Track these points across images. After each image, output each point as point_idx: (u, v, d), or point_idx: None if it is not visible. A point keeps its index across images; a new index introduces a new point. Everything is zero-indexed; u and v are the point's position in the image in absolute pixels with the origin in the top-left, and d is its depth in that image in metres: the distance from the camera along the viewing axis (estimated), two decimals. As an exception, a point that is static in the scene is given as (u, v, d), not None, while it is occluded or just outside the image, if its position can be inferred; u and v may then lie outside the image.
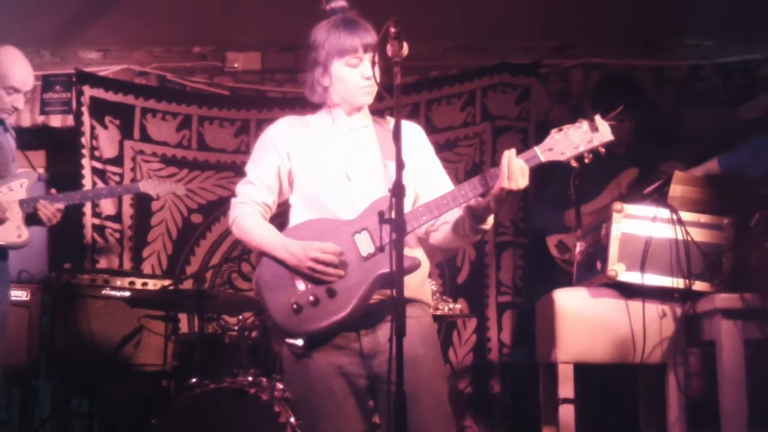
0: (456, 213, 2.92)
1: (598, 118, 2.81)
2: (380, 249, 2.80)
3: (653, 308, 3.63)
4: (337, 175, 2.97)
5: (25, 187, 4.29)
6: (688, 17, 5.62)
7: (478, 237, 2.96)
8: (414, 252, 2.94)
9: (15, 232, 4.21)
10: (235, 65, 6.27)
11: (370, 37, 2.94)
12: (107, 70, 6.20)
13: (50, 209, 4.21)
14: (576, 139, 2.80)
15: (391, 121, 3.12)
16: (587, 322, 3.67)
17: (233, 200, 3.07)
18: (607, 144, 2.80)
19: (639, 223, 3.64)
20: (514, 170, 2.74)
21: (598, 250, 3.75)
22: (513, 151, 2.78)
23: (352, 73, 2.96)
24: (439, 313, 4.82)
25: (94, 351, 5.07)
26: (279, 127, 3.10)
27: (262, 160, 3.06)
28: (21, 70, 4.28)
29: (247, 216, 3.00)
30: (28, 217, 4.25)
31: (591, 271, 3.82)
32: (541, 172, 2.83)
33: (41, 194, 4.32)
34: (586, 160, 2.81)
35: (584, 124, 2.81)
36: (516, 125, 5.92)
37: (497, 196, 2.78)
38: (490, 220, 2.90)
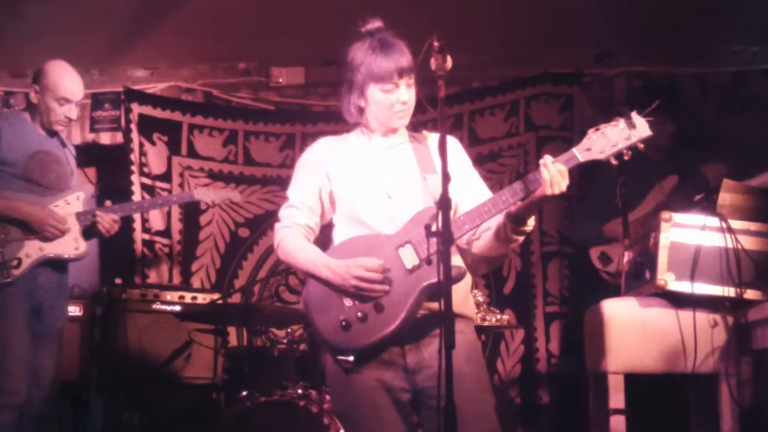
0: (497, 220, 2.90)
1: (634, 114, 2.79)
2: (426, 261, 2.79)
3: (704, 317, 3.59)
4: (378, 194, 2.97)
5: (82, 201, 4.35)
6: (732, 23, 5.54)
7: (521, 239, 2.94)
8: (455, 261, 2.92)
9: (73, 244, 4.27)
10: (280, 80, 6.30)
11: (406, 60, 2.94)
12: (155, 88, 6.27)
13: (107, 220, 4.27)
14: (614, 137, 2.77)
15: (428, 135, 3.12)
16: (637, 331, 3.63)
17: (277, 225, 3.08)
18: (646, 139, 2.77)
19: (688, 232, 3.61)
20: (554, 174, 2.72)
21: (647, 260, 3.71)
22: (548, 156, 2.77)
23: (387, 98, 2.96)
24: (486, 324, 4.79)
25: (145, 365, 5.11)
26: (317, 148, 3.11)
27: (302, 183, 3.07)
28: (70, 80, 4.33)
29: (291, 239, 3.01)
30: (84, 230, 4.30)
31: (639, 280, 3.79)
32: (580, 184, 2.80)
33: (96, 207, 4.38)
34: (626, 157, 2.78)
35: (621, 122, 2.79)
36: (560, 135, 5.88)
37: (540, 200, 2.77)
38: (531, 221, 2.88)
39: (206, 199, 4.71)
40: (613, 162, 2.77)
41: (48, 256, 4.20)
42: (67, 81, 4.32)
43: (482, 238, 2.99)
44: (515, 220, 2.85)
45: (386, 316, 2.80)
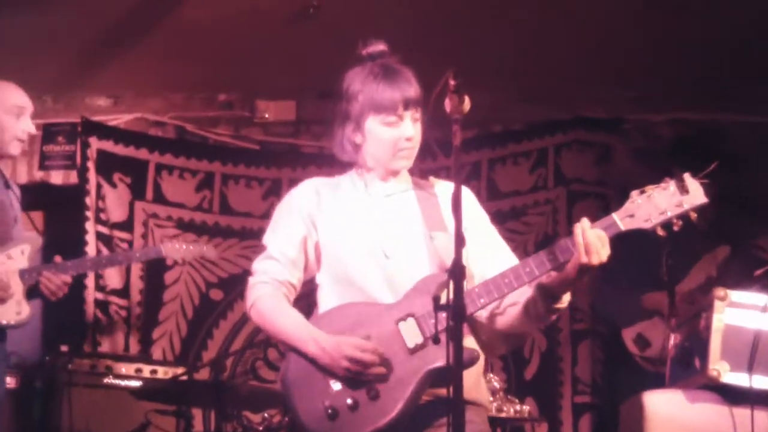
0: (525, 292, 2.87)
1: (687, 176, 2.77)
2: (433, 339, 2.75)
3: (764, 417, 3.55)
4: (373, 251, 2.94)
5: (27, 255, 4.29)
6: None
7: (554, 318, 2.91)
8: (466, 342, 2.88)
9: (14, 308, 4.18)
10: (266, 115, 6.34)
11: (413, 90, 2.94)
12: (118, 120, 6.30)
13: (55, 282, 4.19)
14: (662, 203, 2.76)
15: (435, 183, 3.10)
16: (684, 431, 3.58)
17: (251, 279, 3.05)
18: (700, 207, 2.75)
19: (746, 314, 3.59)
20: (592, 242, 2.69)
21: (696, 345, 3.69)
22: (585, 220, 2.74)
23: (389, 132, 2.95)
24: (503, 415, 4.75)
25: (91, 452, 5.05)
26: (303, 191, 3.10)
27: (284, 230, 3.05)
28: (17, 91, 4.28)
29: (269, 299, 2.97)
30: (28, 290, 4.24)
31: (687, 369, 3.76)
32: (612, 247, 2.79)
33: (43, 263, 4.31)
34: (675, 228, 2.76)
35: (671, 185, 2.77)
36: (595, 191, 5.91)
37: (577, 273, 2.74)
38: (566, 298, 2.85)
39: (175, 255, 4.69)
40: (660, 233, 2.75)
41: (-16, 323, 4.15)
42: (14, 91, 4.27)
43: (507, 313, 2.95)
44: (547, 296, 2.82)
45: (382, 405, 2.76)
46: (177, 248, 4.73)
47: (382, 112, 2.93)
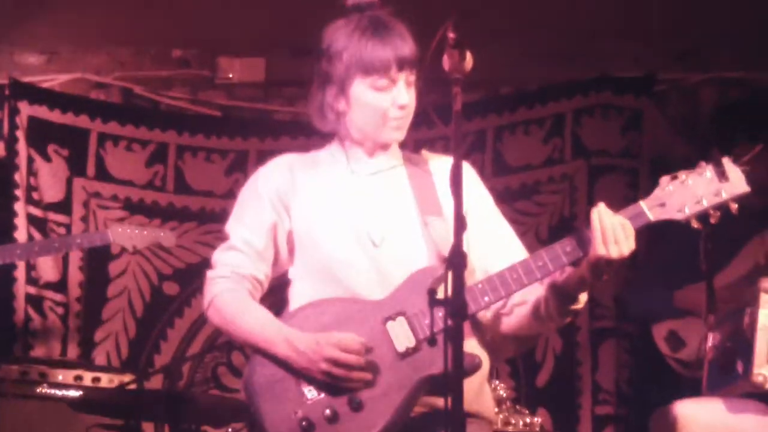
0: (535, 289, 2.89)
1: (727, 161, 2.79)
2: (428, 341, 2.78)
3: (817, 430, 3.59)
4: (358, 238, 2.96)
5: None
6: None
7: (568, 320, 2.94)
8: (467, 345, 2.90)
9: None
10: (230, 75, 6.33)
11: (408, 48, 2.95)
12: (53, 81, 6.29)
13: None
14: (698, 191, 2.78)
15: (429, 158, 3.13)
16: (723, 448, 3.63)
17: (209, 273, 3.07)
18: (741, 197, 2.77)
19: (798, 309, 3.61)
20: (610, 228, 2.71)
21: (739, 346, 3.73)
22: (602, 205, 2.76)
23: (380, 98, 2.97)
24: (510, 429, 4.78)
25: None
26: (273, 169, 3.12)
27: (250, 217, 3.07)
28: None
29: (230, 295, 2.99)
30: None
31: (728, 374, 3.79)
32: (640, 234, 2.81)
33: None
34: (712, 220, 2.79)
35: (708, 170, 2.80)
36: (622, 164, 5.90)
37: (593, 268, 2.75)
38: (583, 298, 2.87)
39: (125, 242, 4.70)
40: (695, 225, 2.78)
41: None
42: None
43: (515, 313, 2.98)
44: (561, 295, 2.84)
45: (366, 417, 2.79)
46: (128, 233, 4.73)
47: (372, 75, 2.94)
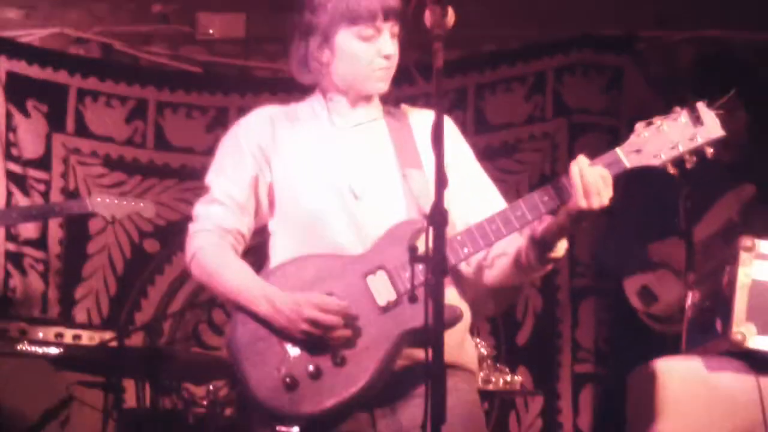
0: (514, 240, 2.90)
1: (701, 106, 2.79)
2: (409, 296, 2.78)
3: (796, 388, 3.61)
4: (339, 190, 2.96)
5: None
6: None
7: (549, 268, 2.94)
8: (448, 297, 2.90)
9: None
10: (210, 31, 6.30)
11: None
12: (31, 35, 6.25)
13: None
14: (673, 136, 2.78)
15: (408, 111, 3.12)
16: (702, 404, 3.65)
17: (191, 226, 3.05)
18: (716, 141, 2.78)
19: (777, 267, 3.62)
20: (592, 182, 2.72)
21: (718, 305, 3.73)
22: (582, 157, 2.76)
23: (365, 48, 2.96)
24: (491, 387, 4.81)
25: (2, 430, 5.06)
26: (253, 120, 3.10)
27: (231, 169, 3.05)
28: None
29: (213, 250, 2.98)
30: None
31: (707, 333, 3.80)
32: (617, 181, 2.81)
33: None
34: (688, 165, 2.79)
35: (682, 115, 2.79)
36: (602, 122, 5.93)
37: (571, 218, 2.76)
38: (562, 246, 2.87)
39: (104, 212, 4.69)
40: (671, 170, 2.78)
41: None
42: None
43: (496, 265, 2.98)
44: (540, 244, 2.85)
45: (349, 373, 2.79)
46: (106, 203, 4.72)
47: (358, 23, 2.93)
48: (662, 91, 6.02)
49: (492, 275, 3.01)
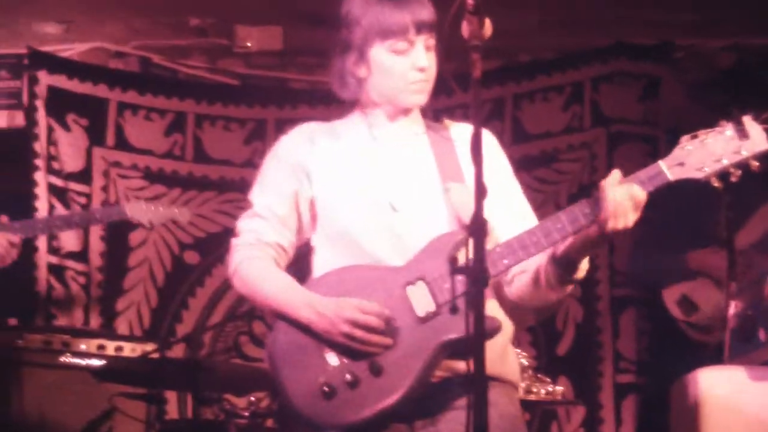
0: (536, 258, 2.88)
1: (747, 119, 2.78)
2: (449, 308, 2.77)
3: (840, 398, 3.59)
4: (379, 204, 2.96)
5: None
6: None
7: (569, 290, 2.92)
8: (488, 308, 2.88)
9: None
10: (247, 44, 6.32)
11: (426, 11, 2.95)
12: (71, 50, 6.30)
13: (2, 244, 4.22)
14: (718, 149, 2.77)
15: (450, 126, 3.12)
16: (745, 416, 3.64)
17: (234, 241, 3.07)
18: (762, 155, 2.76)
19: (821, 276, 3.61)
20: (620, 201, 2.71)
21: (761, 314, 3.70)
22: (616, 172, 2.75)
23: (399, 62, 2.96)
24: (532, 397, 4.79)
25: (46, 442, 5.10)
26: (295, 138, 3.11)
27: (273, 185, 3.07)
28: None
29: (256, 263, 3.00)
30: None
31: (750, 342, 3.78)
32: (654, 201, 2.80)
33: None
34: (733, 179, 2.78)
35: (728, 128, 2.78)
36: (640, 132, 5.90)
37: (593, 238, 2.75)
38: (584, 265, 2.86)
39: (141, 217, 4.70)
40: (716, 183, 2.77)
41: None
42: None
43: (515, 282, 2.97)
44: (561, 264, 2.84)
45: (386, 382, 2.78)
46: (143, 209, 4.74)
47: (390, 38, 2.94)
48: (700, 98, 6.00)
49: (512, 292, 3.00)
